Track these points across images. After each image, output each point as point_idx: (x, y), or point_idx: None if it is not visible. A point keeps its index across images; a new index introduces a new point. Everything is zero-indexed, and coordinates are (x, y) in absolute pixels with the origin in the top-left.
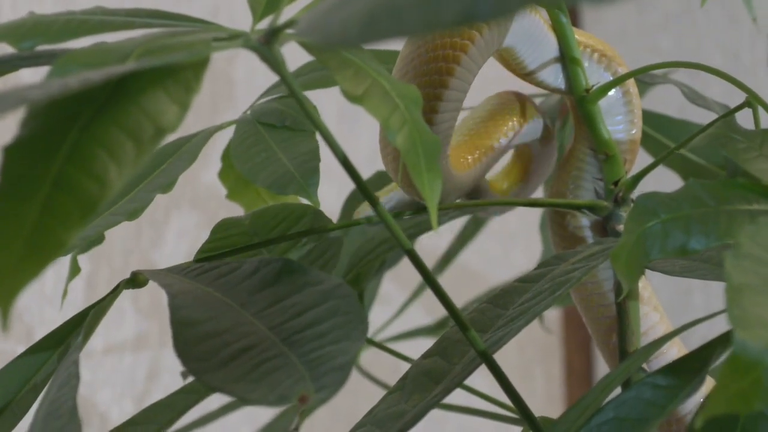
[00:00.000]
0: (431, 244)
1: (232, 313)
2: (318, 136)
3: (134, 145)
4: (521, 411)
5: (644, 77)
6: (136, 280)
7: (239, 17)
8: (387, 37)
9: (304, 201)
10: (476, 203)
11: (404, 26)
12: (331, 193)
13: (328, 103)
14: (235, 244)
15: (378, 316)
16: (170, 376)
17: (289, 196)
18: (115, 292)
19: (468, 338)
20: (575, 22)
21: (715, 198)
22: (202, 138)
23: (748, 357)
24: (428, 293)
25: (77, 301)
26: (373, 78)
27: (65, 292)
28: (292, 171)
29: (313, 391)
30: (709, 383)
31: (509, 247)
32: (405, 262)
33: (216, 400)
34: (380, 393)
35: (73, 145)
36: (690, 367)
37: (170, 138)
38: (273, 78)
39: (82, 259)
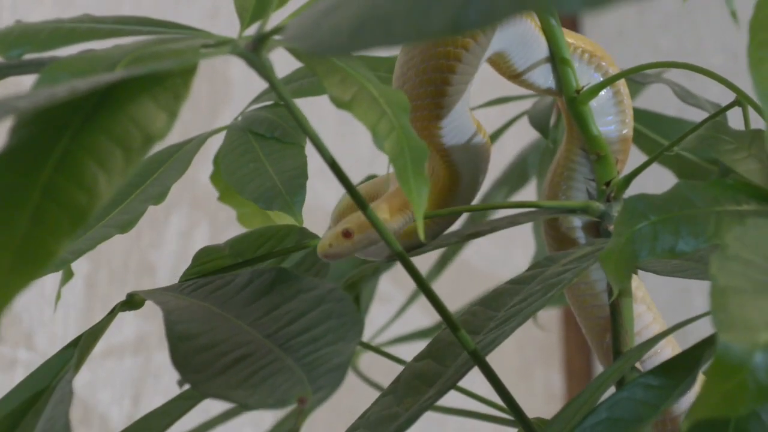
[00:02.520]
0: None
1: (227, 325)
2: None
3: (123, 153)
4: (514, 412)
5: (636, 76)
6: (132, 302)
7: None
8: (375, 45)
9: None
10: (475, 207)
11: (393, 35)
12: (330, 194)
13: (327, 104)
14: (218, 266)
15: (377, 315)
16: (170, 376)
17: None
18: (111, 315)
19: (458, 338)
20: (574, 22)
21: (704, 199)
22: (195, 145)
23: (732, 360)
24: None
25: (77, 302)
26: (360, 84)
27: (58, 295)
28: (279, 186)
29: (310, 392)
30: (701, 382)
31: (509, 246)
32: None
33: (218, 406)
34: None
35: (62, 155)
36: (682, 367)
37: (166, 140)
38: None
39: (82, 259)
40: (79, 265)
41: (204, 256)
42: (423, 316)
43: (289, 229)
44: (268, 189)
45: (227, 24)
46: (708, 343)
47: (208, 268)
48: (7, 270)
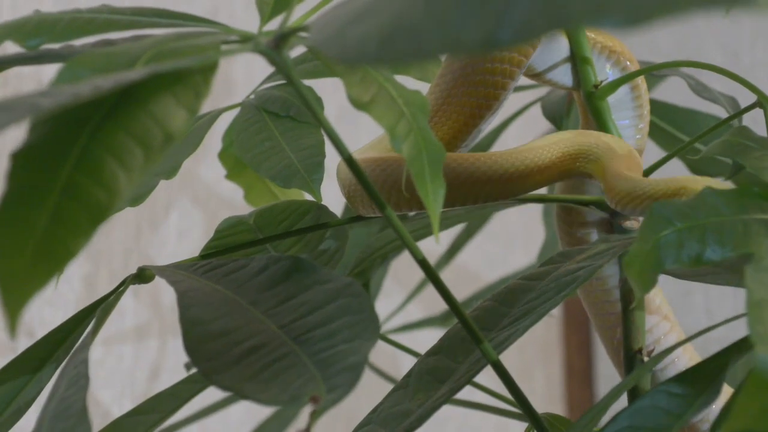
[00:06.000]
0: (427, 240)
1: (241, 312)
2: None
3: (143, 151)
4: (525, 408)
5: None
6: (142, 276)
7: (239, 17)
8: (405, 57)
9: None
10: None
11: (423, 48)
12: (333, 192)
13: (328, 102)
14: (240, 241)
15: (377, 308)
16: (168, 375)
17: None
18: (121, 288)
19: (481, 350)
20: None
21: (731, 207)
22: (206, 122)
23: None
24: (426, 290)
25: (77, 302)
26: (379, 84)
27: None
28: (296, 164)
29: (324, 391)
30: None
31: (509, 247)
32: (402, 259)
33: (219, 391)
34: (381, 389)
35: (81, 152)
36: (705, 376)
37: None
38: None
39: (82, 260)
40: (79, 266)
41: (227, 228)
42: (422, 313)
43: (309, 205)
44: (285, 167)
45: (226, 23)
46: (732, 350)
47: (229, 242)
48: (26, 268)
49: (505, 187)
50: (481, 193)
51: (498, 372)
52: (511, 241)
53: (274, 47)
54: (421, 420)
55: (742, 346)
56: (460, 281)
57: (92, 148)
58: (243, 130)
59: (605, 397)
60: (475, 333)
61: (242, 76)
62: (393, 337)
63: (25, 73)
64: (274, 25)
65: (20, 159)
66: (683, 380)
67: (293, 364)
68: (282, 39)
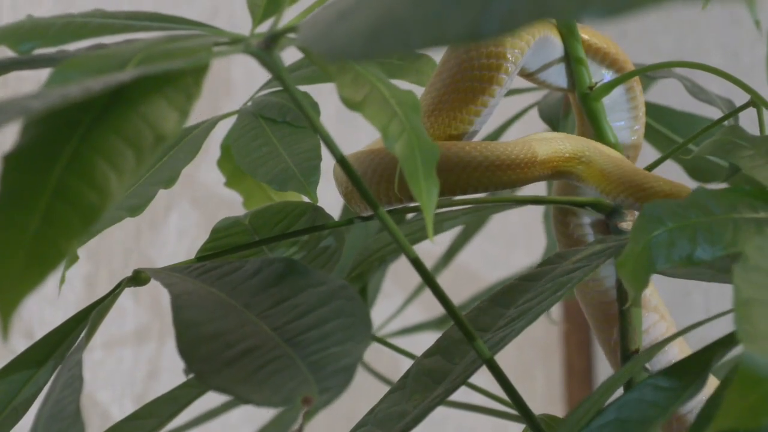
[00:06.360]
0: (426, 242)
1: (235, 314)
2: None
3: (134, 153)
4: (521, 410)
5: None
6: (137, 278)
7: (239, 18)
8: (391, 51)
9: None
10: (483, 200)
11: (409, 41)
12: (331, 193)
13: (326, 103)
14: (236, 242)
15: (377, 311)
16: (168, 375)
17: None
18: (116, 291)
19: (474, 348)
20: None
21: (722, 206)
22: (204, 130)
23: (757, 372)
24: (426, 293)
25: (77, 302)
26: (372, 84)
27: (63, 279)
28: (293, 168)
29: (316, 393)
30: (710, 383)
31: (509, 248)
32: (402, 261)
33: (218, 396)
34: (380, 391)
35: (72, 154)
36: (692, 369)
37: None
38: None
39: (82, 259)
40: (79, 266)
41: (223, 229)
42: (421, 314)
43: (305, 206)
44: (281, 171)
45: (226, 24)
46: (719, 345)
47: (225, 243)
48: (18, 270)
49: (494, 176)
50: (468, 180)
51: (493, 372)
52: (513, 242)
53: (265, 48)
54: (417, 420)
55: (728, 341)
56: (462, 283)
57: (83, 150)
58: (240, 136)
59: (595, 392)
60: (468, 330)
61: (242, 78)
62: (392, 340)
63: (24, 76)
64: (267, 27)
65: (12, 161)
66: (670, 374)
67: (286, 366)
68: (272, 40)
